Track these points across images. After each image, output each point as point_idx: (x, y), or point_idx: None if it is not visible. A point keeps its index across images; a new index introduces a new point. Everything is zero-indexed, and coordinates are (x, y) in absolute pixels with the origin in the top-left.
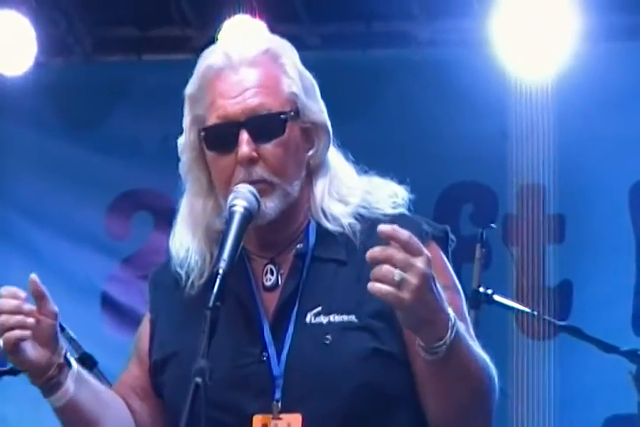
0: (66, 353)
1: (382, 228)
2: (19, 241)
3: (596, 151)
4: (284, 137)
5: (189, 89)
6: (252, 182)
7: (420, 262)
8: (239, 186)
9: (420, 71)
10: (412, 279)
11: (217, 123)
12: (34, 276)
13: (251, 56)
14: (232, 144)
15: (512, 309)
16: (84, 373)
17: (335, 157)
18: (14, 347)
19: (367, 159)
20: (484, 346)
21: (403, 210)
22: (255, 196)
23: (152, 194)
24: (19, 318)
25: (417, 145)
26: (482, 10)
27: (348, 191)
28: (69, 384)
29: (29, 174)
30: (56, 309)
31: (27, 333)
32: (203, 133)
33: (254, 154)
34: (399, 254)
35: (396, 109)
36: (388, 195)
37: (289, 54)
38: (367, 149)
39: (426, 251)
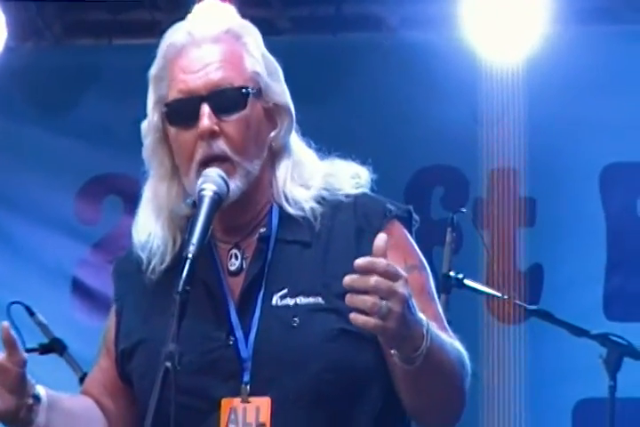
0: (34, 392)
1: (359, 262)
2: None
3: (568, 135)
4: (246, 112)
5: (153, 70)
6: (212, 159)
7: (400, 288)
8: (208, 170)
9: (390, 55)
10: (396, 307)
11: (179, 97)
12: (5, 323)
13: (213, 34)
14: (194, 118)
15: (483, 293)
16: (53, 395)
17: (297, 141)
18: None
19: (337, 143)
20: (456, 331)
21: (365, 190)
22: (224, 179)
23: (122, 178)
24: None
25: (387, 129)
26: None
27: (310, 175)
28: (40, 418)
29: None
30: (25, 356)
31: None
32: (164, 109)
33: (215, 127)
34: (382, 284)
35: (367, 93)
36: (351, 176)
37: (252, 35)
38: (337, 132)
39: (404, 274)
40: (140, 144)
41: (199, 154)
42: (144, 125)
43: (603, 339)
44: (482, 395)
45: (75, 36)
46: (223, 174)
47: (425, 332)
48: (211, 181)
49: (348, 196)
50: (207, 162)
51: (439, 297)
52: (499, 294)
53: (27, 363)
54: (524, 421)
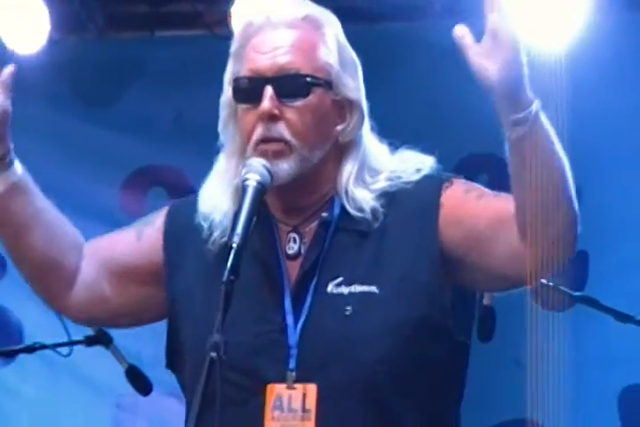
0: (10, 157)
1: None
2: None
3: (611, 122)
4: (309, 100)
5: (233, 47)
6: (269, 140)
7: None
8: (251, 160)
9: (434, 43)
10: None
11: (246, 75)
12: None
13: (290, 19)
14: (257, 98)
15: None
16: (34, 190)
17: (370, 139)
18: None
19: (386, 130)
20: (501, 318)
21: (427, 172)
22: (267, 169)
23: (166, 170)
24: None
25: (434, 117)
26: None
27: (375, 177)
28: (10, 177)
29: (44, 152)
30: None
31: None
32: (233, 84)
33: (275, 111)
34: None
35: (414, 82)
36: (415, 167)
37: (332, 25)
38: (385, 121)
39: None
40: (183, 136)
41: (256, 134)
42: (222, 99)
43: None
44: (527, 382)
45: (117, 28)
46: (267, 164)
47: (534, 102)
48: (254, 171)
49: (408, 182)
50: (263, 142)
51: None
52: (543, 281)
53: (9, 113)
54: (569, 407)
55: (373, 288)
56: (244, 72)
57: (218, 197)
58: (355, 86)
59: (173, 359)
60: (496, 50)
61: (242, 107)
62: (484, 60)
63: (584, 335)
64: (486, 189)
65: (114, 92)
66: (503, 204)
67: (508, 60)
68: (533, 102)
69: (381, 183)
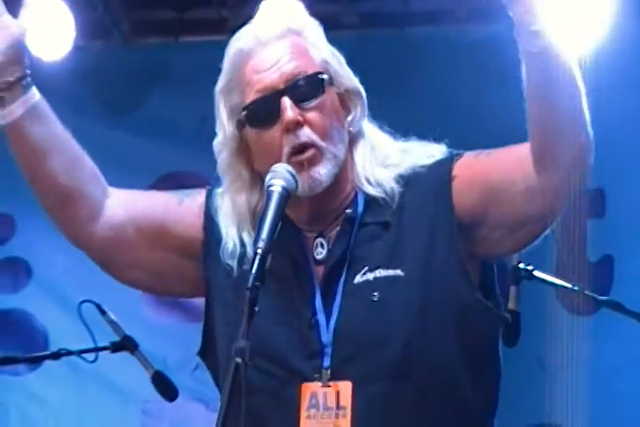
0: (28, 80)
1: None
2: None
3: (633, 125)
4: (324, 97)
5: (220, 84)
6: (301, 149)
7: None
8: (276, 166)
9: (458, 48)
10: None
11: (258, 97)
12: None
13: (277, 32)
14: (276, 114)
15: (552, 284)
16: (53, 116)
17: (369, 125)
18: None
19: (405, 136)
20: (525, 321)
21: (439, 158)
22: (292, 174)
23: (191, 176)
24: None
25: (455, 121)
26: None
27: (387, 154)
28: (16, 107)
29: None
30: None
31: None
32: (244, 113)
33: (300, 117)
34: None
35: (436, 86)
36: (427, 153)
37: (311, 29)
38: (406, 126)
39: None
40: (207, 141)
41: (287, 146)
42: (217, 142)
43: None
44: (549, 383)
45: (142, 34)
46: (291, 169)
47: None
48: (279, 177)
49: (422, 166)
50: (296, 152)
51: (509, 290)
52: (569, 285)
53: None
54: (591, 411)
55: (398, 271)
56: (253, 96)
57: (235, 235)
58: (349, 76)
59: (205, 350)
60: None
61: (258, 133)
62: None
63: (608, 339)
64: (498, 149)
65: (138, 97)
66: (512, 150)
67: None
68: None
69: (396, 160)
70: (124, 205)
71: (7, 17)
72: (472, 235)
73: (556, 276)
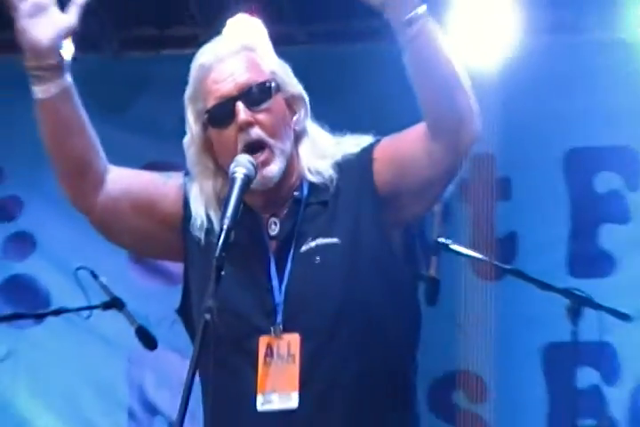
0: (65, 65)
1: None
2: (60, 206)
3: (536, 126)
4: (272, 102)
5: (187, 93)
6: (252, 145)
7: None
8: (239, 156)
9: (391, 62)
10: None
11: (217, 103)
12: None
13: (232, 49)
14: (231, 116)
15: (467, 256)
16: (79, 101)
17: (312, 125)
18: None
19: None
20: (444, 287)
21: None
22: (253, 164)
23: (169, 165)
24: None
25: (387, 122)
26: (438, 9)
27: (325, 147)
28: (53, 86)
29: None
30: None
31: None
32: (206, 116)
33: (250, 118)
34: None
35: (369, 96)
36: (356, 141)
37: (263, 44)
38: (344, 127)
39: None
40: (183, 137)
41: (240, 142)
42: (186, 140)
43: (566, 292)
44: (464, 341)
45: (129, 48)
46: (252, 160)
47: (420, 4)
48: (241, 165)
49: (352, 154)
50: (248, 148)
51: (431, 260)
52: (480, 256)
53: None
54: (500, 361)
55: (334, 240)
56: (213, 102)
57: (203, 214)
58: (294, 83)
59: (183, 307)
60: None
61: (218, 131)
62: None
63: (512, 301)
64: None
65: (126, 101)
66: (414, 128)
67: None
68: (420, 4)
69: (331, 151)
70: (120, 180)
71: (55, 9)
72: (393, 204)
73: (469, 248)
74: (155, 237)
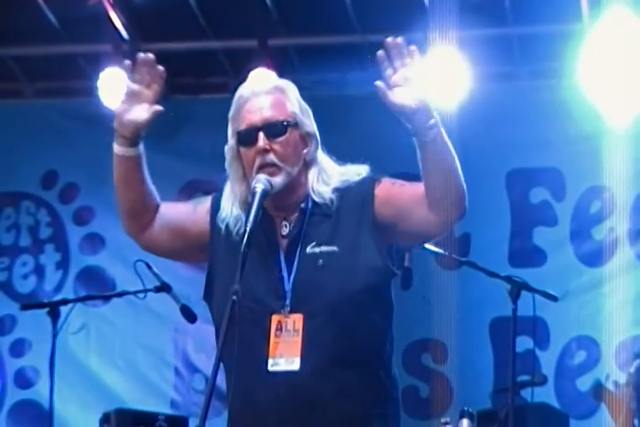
0: (139, 141)
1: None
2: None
3: (485, 151)
4: (287, 136)
5: (230, 113)
6: (265, 165)
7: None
8: (258, 175)
9: (374, 105)
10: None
11: (245, 128)
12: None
13: (266, 89)
14: (254, 141)
15: (432, 251)
16: (142, 165)
17: (323, 156)
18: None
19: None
20: (417, 276)
21: (364, 176)
22: (269, 181)
23: (206, 182)
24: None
25: (372, 150)
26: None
27: (330, 177)
28: (136, 149)
29: None
30: (162, 71)
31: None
32: (237, 135)
33: (267, 146)
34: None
35: (360, 130)
36: (357, 172)
37: (292, 89)
38: (340, 156)
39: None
40: (219, 161)
41: (257, 163)
42: (226, 148)
43: (508, 279)
44: (431, 315)
45: (176, 93)
46: (269, 178)
47: (435, 115)
48: (260, 182)
49: (353, 183)
50: (262, 167)
51: (405, 256)
52: (442, 251)
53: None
54: (459, 331)
55: (334, 248)
56: (243, 126)
57: (230, 207)
58: (310, 123)
59: (207, 295)
60: (409, 89)
61: (244, 149)
62: (401, 99)
63: (467, 285)
64: (405, 182)
65: (173, 133)
66: (416, 188)
67: (419, 95)
68: (435, 115)
69: (335, 180)
70: (162, 217)
71: (145, 104)
72: (387, 233)
73: (435, 245)
74: (187, 254)
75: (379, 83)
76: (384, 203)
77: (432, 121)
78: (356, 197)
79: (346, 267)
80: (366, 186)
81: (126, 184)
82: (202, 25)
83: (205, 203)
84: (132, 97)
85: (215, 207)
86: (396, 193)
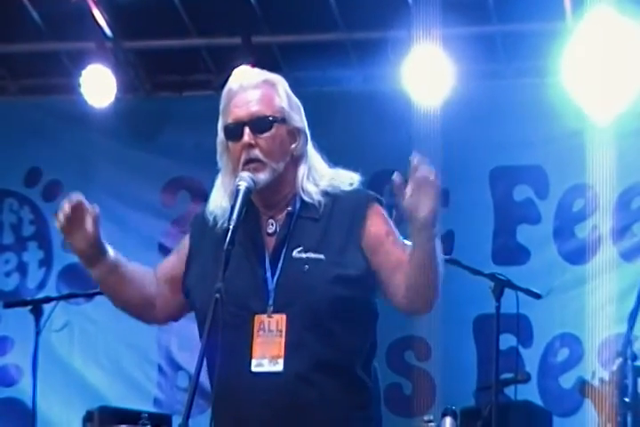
0: (105, 250)
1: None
2: (106, 211)
3: (469, 149)
4: (272, 132)
5: (220, 107)
6: (250, 161)
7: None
8: (242, 173)
9: (357, 102)
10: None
11: (231, 122)
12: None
13: (255, 82)
14: (240, 136)
15: None
16: (122, 261)
17: (313, 154)
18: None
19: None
20: None
21: (357, 187)
22: (252, 178)
23: (190, 180)
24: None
25: (355, 148)
26: (397, 60)
27: (320, 177)
28: (100, 269)
29: (113, 169)
30: (96, 211)
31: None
32: (224, 130)
33: (252, 141)
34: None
35: (344, 127)
36: (348, 179)
37: (281, 83)
38: (324, 154)
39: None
40: (201, 158)
41: (242, 158)
42: (217, 140)
43: (491, 276)
44: None
45: (159, 90)
46: (252, 176)
47: (435, 230)
48: (243, 180)
49: (343, 191)
50: (247, 163)
51: None
52: None
53: (98, 217)
54: (442, 328)
55: (321, 256)
56: (230, 120)
57: (219, 200)
58: (299, 119)
59: (185, 290)
60: (424, 198)
61: (231, 143)
62: (415, 205)
63: (451, 283)
64: (396, 232)
65: (155, 130)
66: (404, 251)
67: (432, 205)
68: (434, 228)
69: (324, 182)
70: (159, 282)
71: (88, 222)
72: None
73: None
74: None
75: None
76: (373, 243)
77: (434, 230)
78: (347, 209)
79: (331, 276)
80: (360, 203)
81: (113, 292)
82: (185, 22)
83: (183, 242)
84: (69, 229)
85: (194, 225)
86: (387, 248)
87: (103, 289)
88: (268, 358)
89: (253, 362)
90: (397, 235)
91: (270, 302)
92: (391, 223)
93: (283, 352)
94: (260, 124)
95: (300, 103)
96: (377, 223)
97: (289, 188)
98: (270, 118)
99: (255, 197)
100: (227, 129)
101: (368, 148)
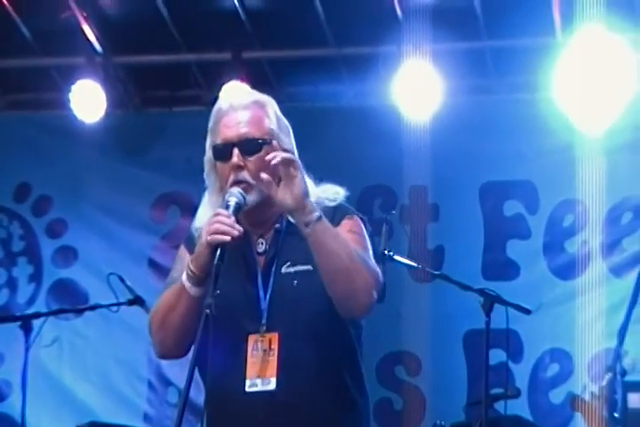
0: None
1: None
2: (96, 226)
3: (459, 164)
4: (261, 154)
5: (209, 125)
6: (238, 182)
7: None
8: (232, 189)
9: (348, 117)
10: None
11: (220, 142)
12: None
13: (245, 103)
14: (228, 156)
15: (406, 264)
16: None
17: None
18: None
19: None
20: (388, 288)
21: (340, 202)
22: (242, 195)
23: (180, 195)
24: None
25: (346, 163)
26: (387, 75)
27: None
28: (201, 289)
29: (103, 184)
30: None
31: (228, 238)
32: (212, 149)
33: (241, 163)
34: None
35: (334, 142)
36: (332, 194)
37: (271, 105)
38: (315, 168)
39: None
40: (192, 173)
41: (231, 179)
42: (205, 159)
43: (481, 291)
44: (405, 328)
45: (148, 105)
46: (242, 191)
47: (315, 211)
48: (233, 196)
49: (327, 207)
50: (235, 184)
51: (380, 268)
52: (415, 264)
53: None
54: (432, 344)
55: (309, 266)
56: (219, 140)
57: (206, 218)
58: (289, 141)
59: None
60: (287, 187)
61: (219, 163)
62: (282, 194)
63: (441, 298)
64: (362, 242)
65: (146, 146)
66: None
67: (296, 191)
68: (315, 211)
69: (311, 199)
70: None
71: None
72: None
73: (408, 258)
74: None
75: (264, 176)
76: None
77: (309, 217)
78: (329, 221)
79: (320, 288)
80: (336, 216)
81: (181, 316)
82: (175, 38)
83: (185, 257)
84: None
85: (190, 240)
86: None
87: (195, 311)
88: (261, 378)
89: (247, 382)
90: (363, 244)
91: (263, 321)
92: (362, 233)
93: (275, 371)
94: (249, 146)
95: (289, 125)
96: (343, 229)
97: (276, 207)
98: (260, 141)
99: (242, 216)
100: (215, 149)
101: (358, 162)
